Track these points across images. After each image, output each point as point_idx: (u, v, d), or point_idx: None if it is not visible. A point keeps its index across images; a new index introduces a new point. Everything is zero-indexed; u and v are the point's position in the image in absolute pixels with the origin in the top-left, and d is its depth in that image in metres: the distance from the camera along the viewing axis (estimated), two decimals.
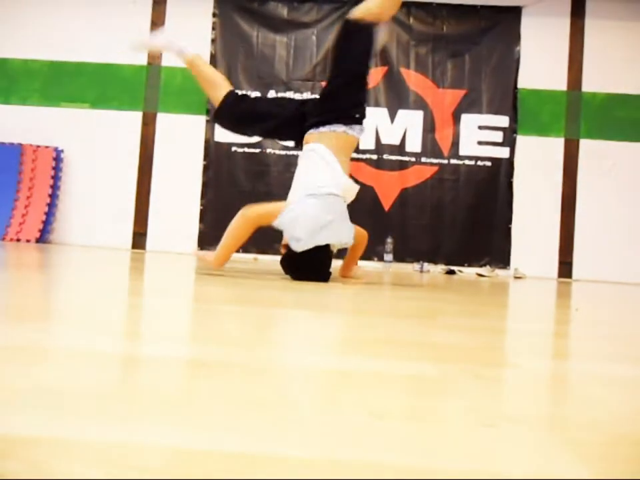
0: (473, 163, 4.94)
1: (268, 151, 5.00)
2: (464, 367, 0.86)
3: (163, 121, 5.08)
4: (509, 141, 4.95)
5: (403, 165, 4.97)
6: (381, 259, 4.76)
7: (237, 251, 4.20)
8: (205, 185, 5.02)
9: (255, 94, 4.94)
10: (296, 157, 3.65)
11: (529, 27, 4.98)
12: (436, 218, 4.94)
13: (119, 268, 2.97)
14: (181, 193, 5.03)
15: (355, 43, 2.58)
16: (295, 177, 2.66)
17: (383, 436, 0.53)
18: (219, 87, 2.78)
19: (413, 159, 4.97)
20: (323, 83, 5.00)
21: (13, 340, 0.85)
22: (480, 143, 4.94)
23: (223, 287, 2.13)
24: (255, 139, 4.94)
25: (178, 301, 1.63)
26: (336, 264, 2.70)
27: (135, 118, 5.08)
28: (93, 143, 5.07)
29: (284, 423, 0.55)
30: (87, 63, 5.12)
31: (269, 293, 1.99)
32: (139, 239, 5.02)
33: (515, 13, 5.00)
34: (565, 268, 4.87)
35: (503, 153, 4.94)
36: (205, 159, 5.03)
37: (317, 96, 2.95)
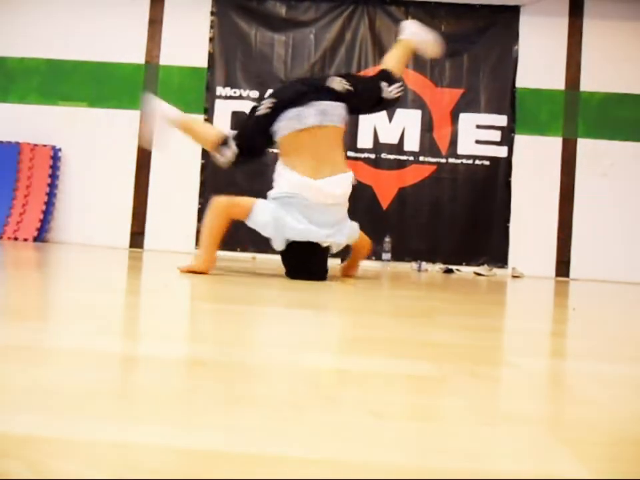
0: (471, 162, 4.94)
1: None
2: (463, 366, 0.86)
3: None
4: (507, 140, 4.95)
5: (401, 164, 4.97)
6: (379, 257, 4.76)
7: (239, 251, 4.18)
8: (203, 184, 5.02)
9: (254, 93, 4.94)
10: None
11: (527, 26, 4.99)
12: (434, 217, 4.94)
13: (117, 267, 2.97)
14: (179, 191, 5.02)
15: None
16: None
17: (382, 435, 0.53)
18: (210, 139, 2.72)
19: (411, 158, 4.97)
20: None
21: (12, 340, 0.85)
22: (478, 142, 4.94)
23: (221, 286, 2.13)
24: None
25: (176, 301, 1.63)
26: (333, 263, 2.70)
27: (133, 117, 5.07)
28: (90, 142, 5.05)
29: (284, 422, 0.55)
30: (84, 61, 5.11)
31: (268, 292, 1.99)
32: (137, 238, 5.01)
33: (513, 12, 5.00)
34: (563, 267, 4.88)
35: (501, 152, 4.94)
36: (202, 158, 5.03)
37: None
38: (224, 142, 2.61)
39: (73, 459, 0.43)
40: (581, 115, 4.94)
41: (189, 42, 5.09)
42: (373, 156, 4.97)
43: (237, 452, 0.46)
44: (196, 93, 5.05)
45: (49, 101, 5.09)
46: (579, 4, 4.96)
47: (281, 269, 2.68)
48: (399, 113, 4.96)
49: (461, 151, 4.94)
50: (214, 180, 5.02)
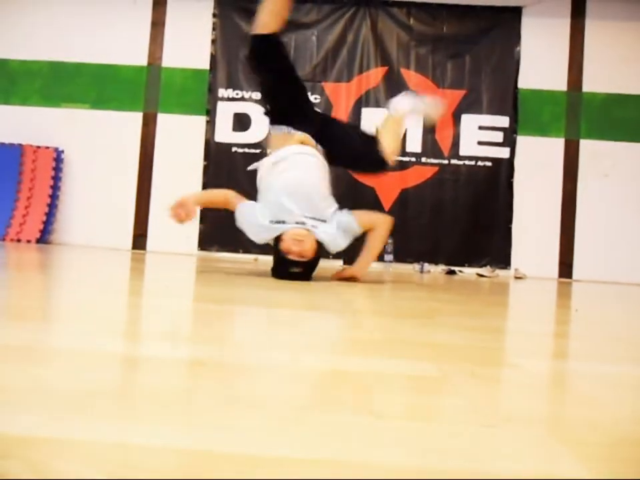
0: (473, 163, 4.93)
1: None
2: (464, 367, 0.86)
3: (163, 121, 5.08)
4: (509, 141, 4.94)
5: (403, 165, 4.96)
6: (381, 259, 4.76)
7: (241, 252, 4.20)
8: (205, 186, 5.02)
9: (256, 95, 4.95)
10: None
11: (529, 27, 4.98)
12: (436, 218, 4.94)
13: (119, 268, 2.97)
14: (181, 193, 5.01)
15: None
16: None
17: (383, 436, 0.53)
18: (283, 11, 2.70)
19: (413, 159, 4.97)
20: (323, 84, 5.02)
21: (13, 340, 0.85)
22: (480, 143, 4.94)
23: (222, 287, 2.13)
24: (255, 139, 4.95)
25: (177, 301, 1.64)
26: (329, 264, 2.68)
27: (135, 118, 5.08)
28: (93, 144, 5.06)
29: (284, 423, 0.55)
30: (87, 63, 5.12)
31: (268, 293, 1.99)
32: (139, 240, 5.02)
33: (515, 14, 4.99)
34: (565, 268, 4.87)
35: (503, 153, 4.94)
36: (205, 159, 5.03)
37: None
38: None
39: (73, 459, 0.43)
40: (583, 115, 4.93)
41: (191, 44, 5.10)
42: None
43: (237, 452, 0.46)
44: (198, 95, 5.06)
45: (52, 103, 5.10)
46: (580, 5, 4.96)
47: None
48: None
49: (463, 152, 4.94)
50: (216, 182, 5.02)
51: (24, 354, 0.76)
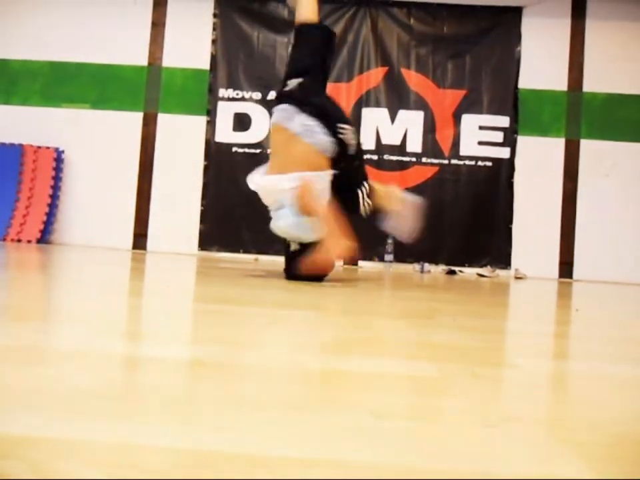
0: (473, 163, 4.93)
1: (269, 151, 5.00)
2: (464, 367, 0.86)
3: (164, 121, 5.08)
4: (510, 141, 4.94)
5: (403, 165, 4.96)
6: (381, 259, 4.76)
7: (241, 252, 4.17)
8: (206, 186, 5.02)
9: (257, 95, 4.96)
10: None
11: (529, 27, 4.98)
12: (436, 218, 4.93)
13: (119, 268, 2.97)
14: (181, 193, 5.02)
15: None
16: None
17: (383, 436, 0.53)
18: None
19: (414, 159, 4.97)
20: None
21: (13, 340, 0.85)
22: (480, 143, 4.94)
23: (223, 287, 2.13)
24: (256, 139, 4.95)
25: (178, 302, 1.64)
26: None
27: (136, 118, 5.08)
28: (93, 144, 5.06)
29: (284, 422, 0.55)
30: (87, 63, 5.12)
31: (269, 294, 1.99)
32: (140, 240, 5.02)
33: (515, 14, 4.99)
34: (566, 268, 4.87)
35: (504, 153, 4.94)
36: (205, 159, 5.03)
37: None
38: None
39: (73, 459, 0.43)
40: (583, 115, 4.93)
41: (191, 44, 5.10)
42: (375, 157, 4.97)
43: (237, 452, 0.46)
44: (198, 95, 5.06)
45: (52, 103, 5.10)
46: (581, 5, 4.96)
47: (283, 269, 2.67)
48: (402, 114, 4.96)
49: (463, 152, 4.94)
50: (216, 181, 5.02)
51: (24, 354, 0.76)
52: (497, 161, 4.93)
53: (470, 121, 4.95)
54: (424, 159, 4.96)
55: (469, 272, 4.75)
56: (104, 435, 0.48)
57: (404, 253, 4.81)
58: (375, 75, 4.99)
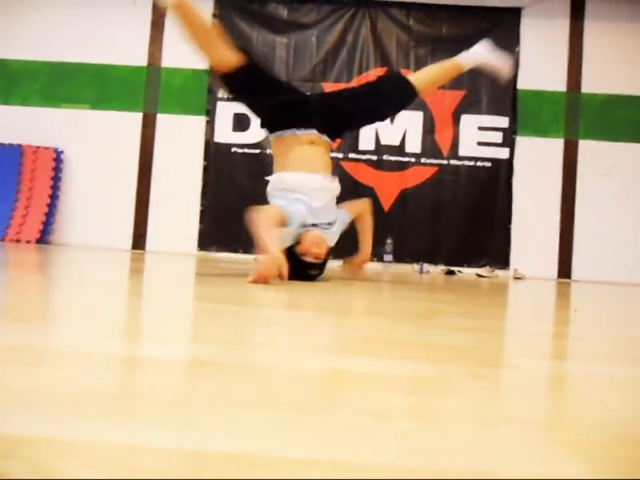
0: (472, 163, 4.94)
1: (268, 151, 5.00)
2: (463, 367, 0.86)
3: (163, 121, 5.08)
4: (509, 141, 4.95)
5: (402, 166, 4.97)
6: (380, 259, 4.76)
7: (241, 252, 4.17)
8: (205, 186, 5.02)
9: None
10: None
11: (528, 28, 4.98)
12: (435, 218, 4.94)
13: (118, 268, 2.97)
14: (180, 193, 5.03)
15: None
16: None
17: (382, 436, 0.53)
18: (214, 43, 2.52)
19: (413, 160, 4.97)
20: (323, 84, 5.02)
21: (13, 340, 0.85)
22: (479, 143, 4.94)
23: (222, 287, 2.13)
24: (255, 139, 4.95)
25: (177, 301, 1.63)
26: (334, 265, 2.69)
27: (135, 119, 5.08)
28: (92, 144, 5.06)
29: (284, 423, 0.55)
30: (86, 63, 5.12)
31: (268, 294, 1.99)
32: (139, 240, 5.02)
33: (514, 14, 5.00)
34: (565, 268, 4.87)
35: (503, 153, 4.95)
36: (204, 160, 5.03)
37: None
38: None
39: (73, 459, 0.43)
40: (582, 116, 4.94)
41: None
42: (374, 157, 4.97)
43: (237, 452, 0.46)
44: (198, 95, 5.06)
45: (51, 103, 5.10)
46: (580, 6, 4.96)
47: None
48: (401, 114, 4.95)
49: (462, 152, 4.95)
50: (216, 182, 5.03)
51: (24, 354, 0.76)
52: (496, 162, 4.94)
53: (469, 122, 4.95)
54: (423, 160, 4.97)
55: (468, 272, 4.75)
56: (104, 435, 0.48)
57: (403, 253, 4.82)
58: (374, 76, 4.98)
